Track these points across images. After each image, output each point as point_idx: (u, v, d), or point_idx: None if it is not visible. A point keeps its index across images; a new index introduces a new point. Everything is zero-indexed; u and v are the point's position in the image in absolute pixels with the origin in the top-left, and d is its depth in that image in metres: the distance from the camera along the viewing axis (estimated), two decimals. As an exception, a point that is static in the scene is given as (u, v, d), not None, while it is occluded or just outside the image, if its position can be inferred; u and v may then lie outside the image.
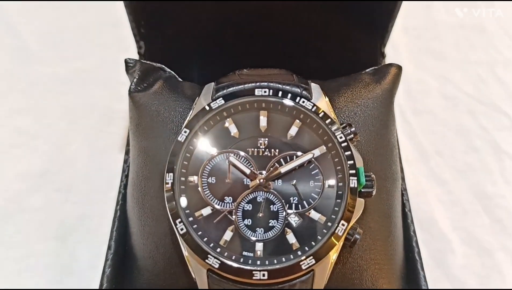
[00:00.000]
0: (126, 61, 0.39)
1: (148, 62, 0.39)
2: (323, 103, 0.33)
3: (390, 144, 0.36)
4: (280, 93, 0.32)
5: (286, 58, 0.44)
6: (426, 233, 0.48)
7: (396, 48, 0.62)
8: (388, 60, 0.59)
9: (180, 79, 0.39)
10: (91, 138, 0.53)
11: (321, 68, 0.44)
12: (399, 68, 0.38)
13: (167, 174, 0.31)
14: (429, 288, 0.36)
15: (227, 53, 0.44)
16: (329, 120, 0.32)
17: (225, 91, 0.33)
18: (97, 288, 0.36)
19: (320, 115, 0.32)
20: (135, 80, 0.37)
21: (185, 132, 0.32)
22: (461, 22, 0.66)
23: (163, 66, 0.39)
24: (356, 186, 0.31)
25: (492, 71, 0.61)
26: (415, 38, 0.64)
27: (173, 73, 0.39)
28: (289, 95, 0.32)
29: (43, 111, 0.55)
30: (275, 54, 0.44)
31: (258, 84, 0.32)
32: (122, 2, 0.41)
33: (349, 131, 0.32)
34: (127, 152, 0.43)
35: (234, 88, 0.33)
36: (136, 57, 0.47)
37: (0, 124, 0.54)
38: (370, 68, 0.38)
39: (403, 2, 0.40)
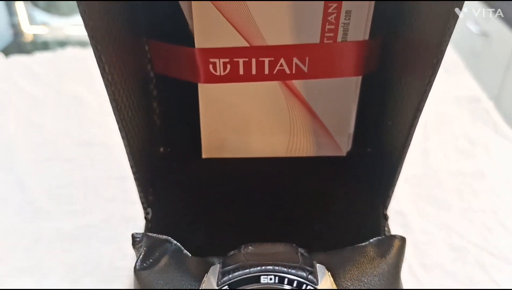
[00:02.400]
0: (133, 236, 0.39)
1: (155, 235, 0.39)
2: (327, 284, 0.32)
3: (400, 323, 0.35)
4: (285, 280, 0.32)
5: (291, 223, 0.44)
6: None
7: (398, 197, 0.63)
8: (392, 211, 0.60)
9: (186, 252, 0.39)
10: (92, 300, 0.53)
11: (325, 232, 0.44)
12: (403, 240, 0.38)
13: None
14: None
15: (233, 222, 0.44)
16: (335, 310, 0.31)
17: (230, 276, 0.32)
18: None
19: (327, 305, 0.31)
20: (141, 256, 0.37)
21: (189, 323, 0.31)
22: (461, 169, 0.67)
23: (169, 238, 0.39)
24: None
25: (497, 219, 0.61)
26: (416, 186, 0.65)
27: (179, 245, 0.39)
28: (295, 282, 0.32)
29: (45, 270, 0.55)
30: (281, 219, 0.44)
31: (263, 268, 0.32)
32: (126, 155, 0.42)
33: (357, 318, 0.31)
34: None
35: (240, 272, 0.32)
36: (143, 216, 0.48)
37: (0, 285, 0.54)
38: (374, 239, 0.39)
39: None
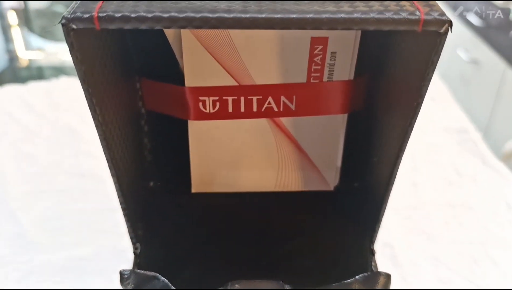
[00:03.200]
0: (121, 273, 0.39)
1: (142, 272, 0.39)
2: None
3: None
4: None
5: (279, 259, 0.45)
6: None
7: (387, 229, 0.64)
8: (380, 243, 0.60)
9: (173, 288, 0.39)
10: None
11: (312, 268, 0.45)
12: (388, 276, 0.39)
13: None
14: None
15: (221, 257, 0.45)
16: None
17: (217, 315, 0.33)
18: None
19: None
20: (128, 293, 0.38)
21: None
22: (449, 200, 0.68)
23: (157, 274, 0.40)
24: None
25: (484, 251, 0.62)
26: (404, 218, 0.66)
27: (166, 281, 0.40)
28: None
29: (36, 303, 0.55)
30: (269, 255, 0.45)
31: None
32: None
33: None
34: None
35: (226, 311, 0.33)
36: (131, 249, 0.48)
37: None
38: (360, 276, 0.39)
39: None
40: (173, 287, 0.40)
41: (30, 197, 0.66)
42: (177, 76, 0.43)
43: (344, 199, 0.48)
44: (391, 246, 0.61)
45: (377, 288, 0.38)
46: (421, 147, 0.77)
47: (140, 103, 0.46)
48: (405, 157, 0.37)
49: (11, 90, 0.88)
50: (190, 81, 0.42)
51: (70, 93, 0.88)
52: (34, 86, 0.90)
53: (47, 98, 0.86)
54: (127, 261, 0.56)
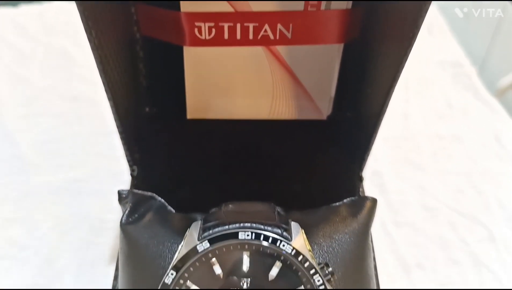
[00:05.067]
0: (119, 193, 0.41)
1: (140, 192, 0.41)
2: (301, 241, 0.35)
3: (367, 277, 0.38)
4: (262, 236, 0.34)
5: (271, 183, 0.47)
6: None
7: (377, 158, 0.65)
8: (369, 171, 0.62)
9: (170, 208, 0.41)
10: (80, 250, 0.55)
11: (302, 193, 0.46)
12: (374, 201, 0.41)
13: (155, 314, 0.33)
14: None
15: (215, 180, 0.46)
16: (307, 263, 0.34)
17: (210, 232, 0.35)
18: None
19: (299, 258, 0.34)
20: (127, 211, 0.39)
21: (171, 274, 0.34)
22: (438, 132, 0.70)
23: (154, 194, 0.41)
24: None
25: (470, 181, 0.64)
26: (395, 148, 0.68)
27: (163, 201, 0.41)
28: (270, 238, 0.34)
29: (35, 222, 0.57)
30: (261, 180, 0.47)
31: (241, 225, 0.35)
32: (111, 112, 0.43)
33: (326, 271, 0.34)
34: (116, 277, 0.44)
35: (220, 228, 0.35)
36: (128, 171, 0.49)
37: (-8, 235, 0.56)
38: (348, 199, 0.41)
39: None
40: (170, 207, 0.41)
41: (26, 121, 0.67)
42: (172, 1, 0.42)
43: (336, 128, 0.49)
44: (380, 174, 0.63)
45: (363, 211, 0.40)
46: (414, 79, 0.78)
47: (135, 28, 0.45)
48: (397, 89, 0.38)
49: (3, 12, 0.86)
50: (186, 6, 0.41)
51: (63, 16, 0.86)
52: (26, 9, 0.87)
53: (40, 21, 0.84)
54: (123, 183, 0.58)
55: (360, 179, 0.47)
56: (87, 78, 0.74)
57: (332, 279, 0.34)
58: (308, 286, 0.34)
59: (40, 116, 0.68)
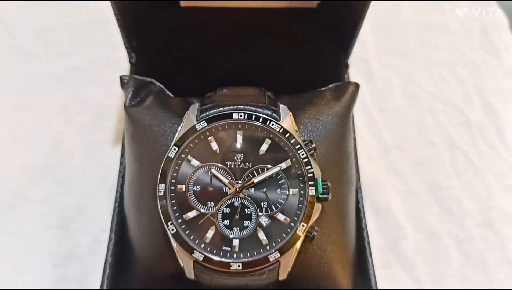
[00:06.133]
0: (121, 78, 0.44)
1: (140, 77, 0.44)
2: (288, 122, 0.39)
3: (346, 154, 0.43)
4: (253, 117, 0.38)
5: (262, 70, 0.50)
6: (382, 221, 0.54)
7: (365, 47, 0.67)
8: (356, 58, 0.65)
9: (169, 93, 0.45)
10: (86, 134, 0.59)
11: (291, 78, 0.50)
12: (357, 86, 0.44)
13: (159, 184, 0.38)
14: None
15: (210, 65, 0.49)
16: (293, 139, 0.38)
17: (207, 113, 0.39)
18: (99, 288, 0.42)
19: (287, 136, 0.38)
20: (129, 95, 0.43)
21: (174, 149, 0.38)
22: (428, 22, 0.71)
23: (153, 80, 0.45)
24: (314, 194, 0.38)
25: (453, 71, 0.67)
26: (383, 38, 0.69)
27: (162, 86, 0.45)
28: (261, 118, 0.38)
29: (41, 107, 0.60)
30: (253, 66, 0.50)
31: (235, 107, 0.39)
32: (109, 2, 0.45)
33: (310, 147, 0.39)
34: (122, 155, 0.48)
35: (215, 110, 0.39)
36: (127, 59, 0.52)
37: (2, 120, 0.59)
38: (332, 84, 0.45)
39: (372, 2, 0.46)
40: (168, 92, 0.45)
41: (21, 10, 0.67)
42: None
43: (325, 17, 0.51)
44: (367, 62, 0.66)
45: (345, 95, 0.43)
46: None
47: None
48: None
49: None
50: None
51: None
52: None
53: None
54: (121, 70, 0.60)
55: (346, 66, 0.50)
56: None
57: (315, 153, 0.39)
58: (294, 160, 0.39)
59: (34, 5, 0.68)
